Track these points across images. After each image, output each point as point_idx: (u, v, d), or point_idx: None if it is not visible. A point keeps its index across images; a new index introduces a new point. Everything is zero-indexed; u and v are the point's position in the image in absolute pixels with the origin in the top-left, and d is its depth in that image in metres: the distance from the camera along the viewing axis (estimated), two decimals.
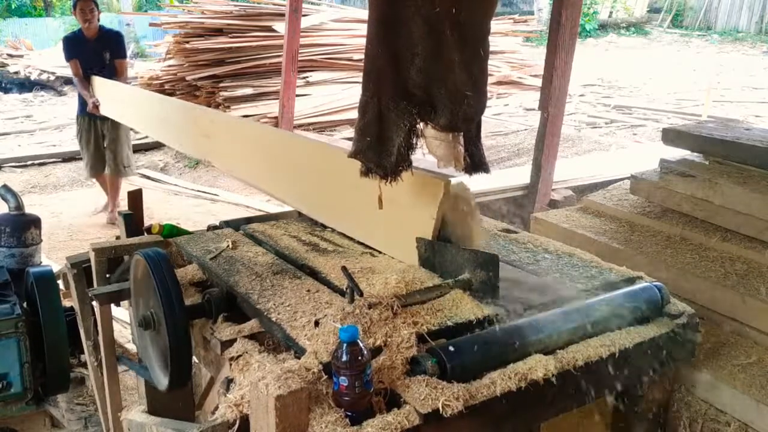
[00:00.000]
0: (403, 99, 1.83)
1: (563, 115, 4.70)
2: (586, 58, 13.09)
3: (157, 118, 4.66)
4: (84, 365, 2.83)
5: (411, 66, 1.82)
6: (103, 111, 5.65)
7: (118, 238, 2.47)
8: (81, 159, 8.16)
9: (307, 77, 8.69)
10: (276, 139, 2.97)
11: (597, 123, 8.90)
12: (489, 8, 1.88)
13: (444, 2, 1.76)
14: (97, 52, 5.78)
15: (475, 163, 1.97)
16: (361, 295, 1.64)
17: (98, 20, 5.82)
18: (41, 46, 16.35)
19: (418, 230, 1.95)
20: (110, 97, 5.63)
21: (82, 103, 5.83)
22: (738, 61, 14.73)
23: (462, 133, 1.93)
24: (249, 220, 2.57)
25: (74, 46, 5.89)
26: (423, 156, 2.02)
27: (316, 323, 1.62)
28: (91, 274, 2.33)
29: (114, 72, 5.79)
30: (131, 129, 6.01)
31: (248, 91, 8.26)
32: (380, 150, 1.85)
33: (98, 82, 5.66)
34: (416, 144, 1.90)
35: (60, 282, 2.72)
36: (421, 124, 1.89)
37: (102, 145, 5.90)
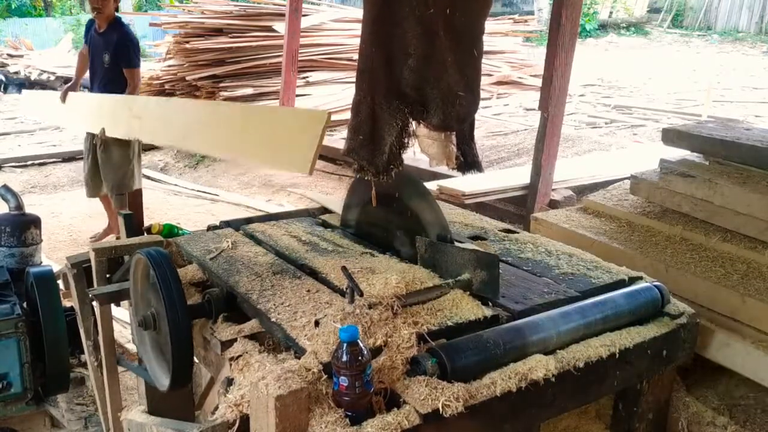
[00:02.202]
0: (395, 98, 1.84)
1: (563, 115, 4.69)
2: (586, 58, 13.09)
3: (95, 113, 4.96)
4: (84, 365, 2.83)
5: (404, 66, 1.83)
6: (54, 122, 5.33)
7: (118, 238, 2.47)
8: (80, 159, 8.09)
9: (307, 77, 8.68)
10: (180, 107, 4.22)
11: (597, 123, 8.89)
12: (483, 9, 1.89)
13: (438, 3, 1.76)
14: (98, 50, 4.85)
15: (468, 162, 1.98)
16: (361, 295, 1.64)
17: (113, 10, 4.80)
18: (41, 46, 16.35)
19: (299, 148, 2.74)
20: (51, 107, 5.31)
21: None
22: (738, 61, 14.72)
23: (454, 133, 1.94)
24: (249, 220, 2.57)
25: (87, 31, 5.07)
26: (414, 155, 2.03)
27: (316, 323, 1.62)
28: (91, 274, 2.33)
29: (112, 78, 4.82)
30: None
31: (248, 91, 8.26)
32: (373, 148, 1.86)
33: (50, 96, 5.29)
34: (408, 143, 1.91)
35: (60, 282, 2.72)
36: (414, 123, 1.89)
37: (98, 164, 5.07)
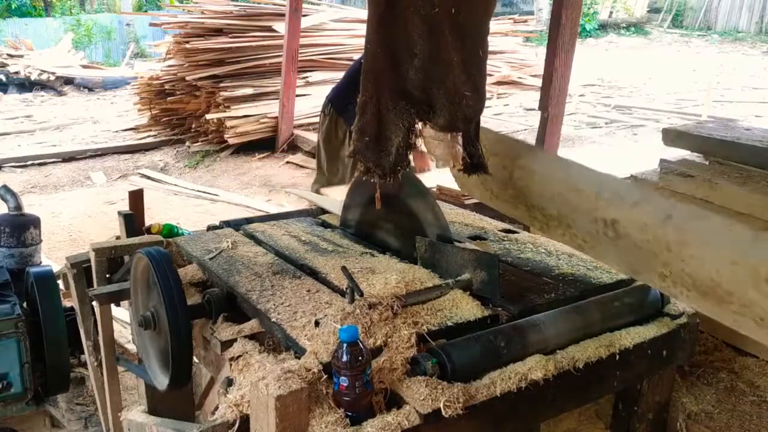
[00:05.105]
0: (401, 99, 1.83)
1: (563, 115, 4.70)
2: (586, 58, 13.09)
3: None
4: (84, 365, 2.83)
5: (410, 66, 1.82)
6: None
7: (118, 238, 2.47)
8: (80, 159, 7.94)
9: (307, 77, 8.68)
10: None
11: (597, 123, 8.90)
12: (488, 8, 1.89)
13: (443, 2, 1.76)
14: None
15: (474, 163, 1.97)
16: (361, 295, 1.64)
17: None
18: (41, 46, 16.34)
19: None
20: None
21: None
22: (738, 61, 14.73)
23: (461, 133, 1.93)
24: (249, 220, 2.57)
25: None
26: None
27: (317, 323, 1.62)
28: (91, 274, 2.33)
29: None
30: None
31: (248, 91, 8.26)
32: (379, 150, 1.85)
33: None
34: (415, 144, 1.90)
35: (60, 282, 2.72)
36: (420, 123, 1.89)
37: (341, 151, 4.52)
